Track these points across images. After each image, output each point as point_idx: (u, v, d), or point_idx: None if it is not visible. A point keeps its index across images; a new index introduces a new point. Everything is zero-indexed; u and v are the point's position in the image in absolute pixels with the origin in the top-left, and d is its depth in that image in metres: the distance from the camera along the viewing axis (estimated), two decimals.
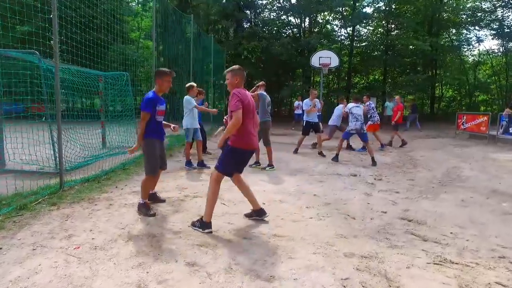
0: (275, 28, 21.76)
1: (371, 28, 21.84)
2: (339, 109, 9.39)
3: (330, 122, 9.50)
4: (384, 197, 4.75)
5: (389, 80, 22.09)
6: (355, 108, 7.39)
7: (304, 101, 8.71)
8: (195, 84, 6.63)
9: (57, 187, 4.52)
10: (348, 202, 4.47)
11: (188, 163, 6.46)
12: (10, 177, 5.14)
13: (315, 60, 15.01)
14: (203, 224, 3.31)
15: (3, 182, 4.59)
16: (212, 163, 6.92)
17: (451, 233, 3.45)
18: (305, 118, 8.44)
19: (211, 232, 3.27)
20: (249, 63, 20.66)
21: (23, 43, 7.27)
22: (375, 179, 5.90)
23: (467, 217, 3.94)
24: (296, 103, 16.07)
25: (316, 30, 21.88)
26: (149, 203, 3.90)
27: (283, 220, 3.73)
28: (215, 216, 3.78)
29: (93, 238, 3.13)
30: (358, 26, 21.36)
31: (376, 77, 22.80)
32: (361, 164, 7.20)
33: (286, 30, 22.36)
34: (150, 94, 3.72)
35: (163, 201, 4.27)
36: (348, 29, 22.12)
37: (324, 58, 14.86)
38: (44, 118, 5.56)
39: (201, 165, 6.62)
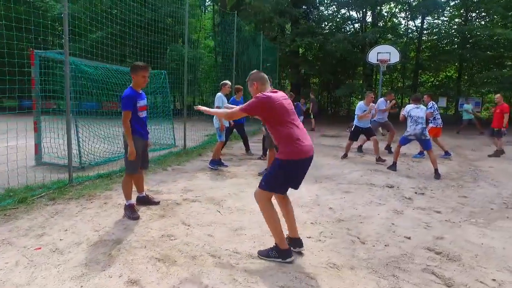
0: (334, 24, 20.56)
1: (445, 19, 19.10)
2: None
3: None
4: (417, 218, 3.82)
5: (465, 77, 19.06)
6: (415, 110, 6.18)
7: (358, 104, 7.55)
8: (229, 82, 6.37)
9: (66, 181, 4.61)
10: (367, 221, 3.68)
11: (212, 163, 6.20)
12: (39, 170, 5.49)
13: (372, 56, 13.66)
14: (280, 252, 2.67)
15: (31, 174, 4.88)
16: (254, 166, 6.56)
17: (494, 280, 2.50)
18: (355, 122, 7.43)
19: (292, 261, 2.67)
20: (306, 61, 19.89)
21: (96, 48, 8.07)
22: (416, 192, 4.88)
23: None
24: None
25: (380, 24, 20.03)
26: (134, 205, 3.69)
27: (273, 238, 3.16)
28: (200, 226, 3.40)
29: (61, 239, 2.99)
30: (428, 17, 18.92)
31: (449, 74, 19.87)
32: (405, 174, 6.10)
33: (347, 25, 20.95)
34: (127, 90, 3.49)
35: (157, 203, 4.03)
36: (417, 21, 19.78)
37: (383, 53, 13.43)
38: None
39: (219, 163, 6.32)
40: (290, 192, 2.91)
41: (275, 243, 2.74)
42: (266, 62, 16.85)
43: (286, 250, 2.69)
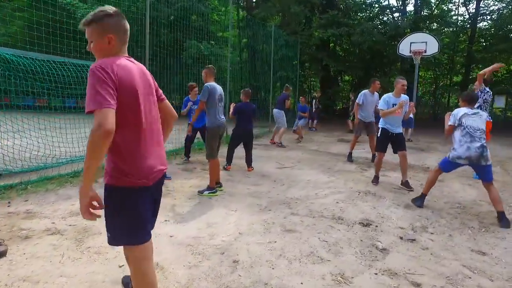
0: (369, 14, 18.23)
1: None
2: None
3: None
4: None
5: None
6: (471, 118, 3.76)
7: (384, 96, 5.01)
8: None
9: None
10: None
11: None
12: None
13: (404, 47, 11.42)
14: None
15: None
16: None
17: None
18: (381, 124, 5.03)
19: None
20: (333, 55, 17.88)
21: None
22: (401, 237, 3.13)
23: None
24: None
25: (424, 13, 17.25)
26: None
27: None
28: None
29: None
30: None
31: None
32: (406, 202, 4.26)
33: (385, 15, 18.44)
34: None
35: None
36: (471, 6, 16.64)
37: (417, 43, 11.12)
38: None
39: None
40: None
41: None
42: (291, 59, 15.30)
43: None
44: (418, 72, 12.21)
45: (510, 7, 14.55)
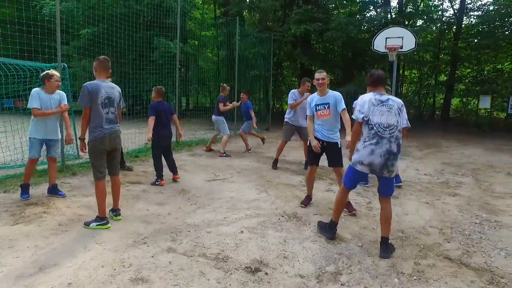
0: (351, 9, 17.38)
1: None
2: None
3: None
4: None
5: None
6: (379, 110, 2.77)
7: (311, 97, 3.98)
8: (55, 73, 4.06)
9: None
10: None
11: (24, 190, 4.09)
12: None
13: (379, 43, 10.49)
14: None
15: None
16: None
17: None
18: (318, 130, 3.86)
19: None
20: (313, 54, 17.04)
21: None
22: None
23: None
24: None
25: (409, 10, 16.39)
26: None
27: None
28: None
29: None
30: None
31: (500, 66, 15.35)
32: (340, 229, 3.33)
33: (369, 10, 17.59)
34: None
35: None
36: (457, 1, 15.74)
37: (393, 39, 10.20)
38: None
39: (52, 191, 4.21)
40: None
41: None
42: (267, 57, 14.42)
43: None
44: (400, 70, 11.32)
45: (498, 2, 13.71)
